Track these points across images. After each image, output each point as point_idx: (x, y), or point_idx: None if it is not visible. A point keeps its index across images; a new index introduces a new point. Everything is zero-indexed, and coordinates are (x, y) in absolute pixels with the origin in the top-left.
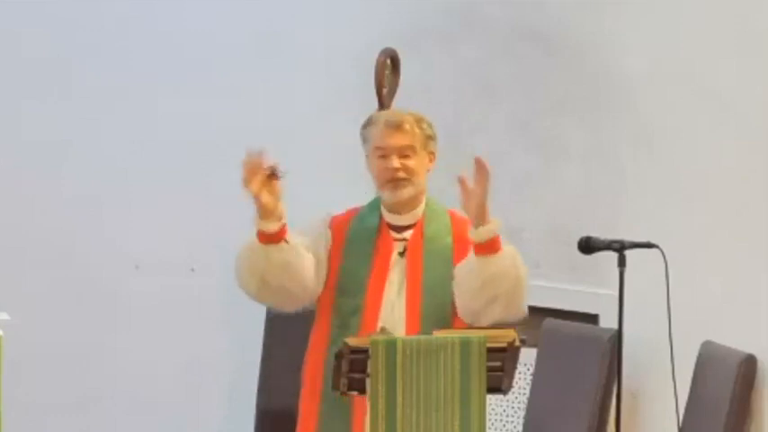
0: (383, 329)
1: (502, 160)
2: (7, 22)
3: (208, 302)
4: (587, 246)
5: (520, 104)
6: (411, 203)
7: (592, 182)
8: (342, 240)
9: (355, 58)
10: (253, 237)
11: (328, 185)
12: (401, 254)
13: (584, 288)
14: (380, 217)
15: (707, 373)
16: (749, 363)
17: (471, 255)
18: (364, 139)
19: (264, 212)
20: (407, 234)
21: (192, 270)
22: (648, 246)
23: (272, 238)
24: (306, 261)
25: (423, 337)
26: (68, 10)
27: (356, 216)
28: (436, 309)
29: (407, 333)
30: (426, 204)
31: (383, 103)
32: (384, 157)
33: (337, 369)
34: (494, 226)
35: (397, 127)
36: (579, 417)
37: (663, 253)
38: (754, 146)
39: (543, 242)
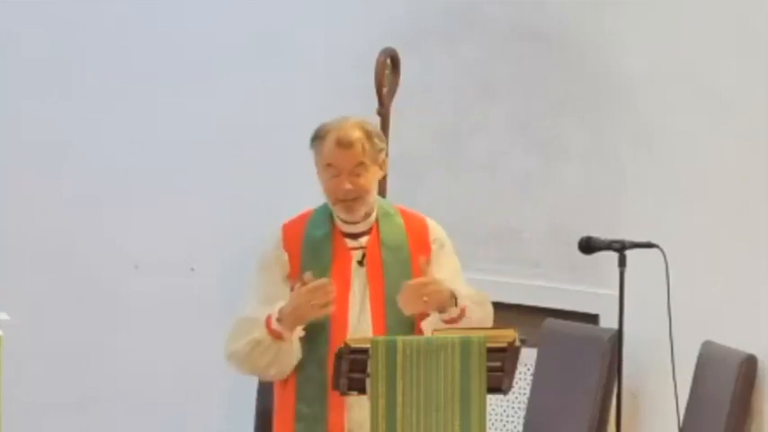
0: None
1: (502, 160)
2: (7, 23)
3: (208, 302)
4: (587, 246)
5: (520, 104)
6: (363, 215)
7: (592, 182)
8: (298, 257)
9: (355, 58)
10: (261, 333)
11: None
12: (360, 262)
13: (585, 288)
14: (333, 225)
15: (707, 374)
16: (749, 363)
17: (436, 319)
18: (315, 150)
19: (296, 324)
20: (363, 240)
21: (192, 270)
22: (649, 246)
23: (285, 338)
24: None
25: (423, 337)
26: (68, 10)
27: (308, 225)
28: (400, 315)
29: None
30: (378, 208)
31: (383, 103)
32: (335, 176)
33: (337, 369)
34: (460, 304)
35: (348, 146)
36: (579, 417)
37: (663, 253)
38: (754, 146)
39: (543, 242)
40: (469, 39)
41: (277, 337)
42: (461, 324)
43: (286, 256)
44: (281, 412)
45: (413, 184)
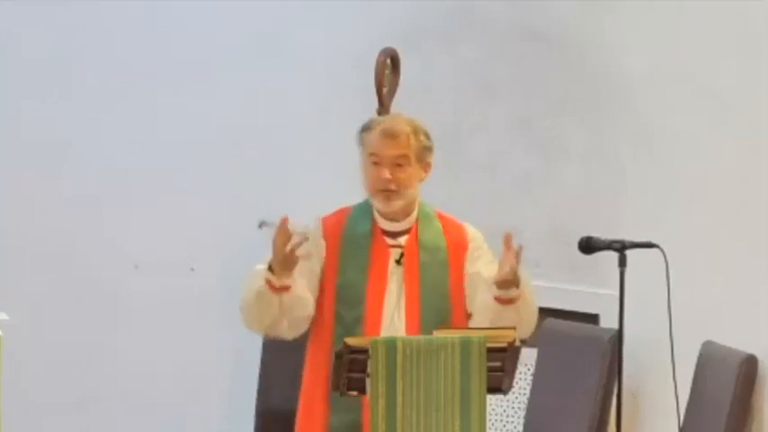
0: None
1: (502, 160)
2: (8, 23)
3: (208, 302)
4: (588, 246)
5: (520, 104)
6: (404, 210)
7: (592, 182)
8: (336, 249)
9: (355, 57)
10: (260, 285)
11: (328, 185)
12: (398, 261)
13: (585, 288)
14: (373, 222)
15: (707, 374)
16: (750, 363)
17: (489, 297)
18: (361, 142)
19: (283, 269)
20: (402, 240)
21: (192, 270)
22: (649, 246)
23: (284, 289)
24: (308, 300)
25: (423, 336)
26: (69, 10)
27: (348, 220)
28: (435, 316)
29: None
30: (419, 209)
31: (383, 103)
32: (377, 164)
33: (337, 369)
34: (521, 288)
35: (393, 136)
36: (580, 417)
37: (663, 253)
38: (755, 146)
39: (543, 242)
40: (469, 39)
41: (272, 287)
42: (513, 307)
43: (324, 245)
44: (310, 404)
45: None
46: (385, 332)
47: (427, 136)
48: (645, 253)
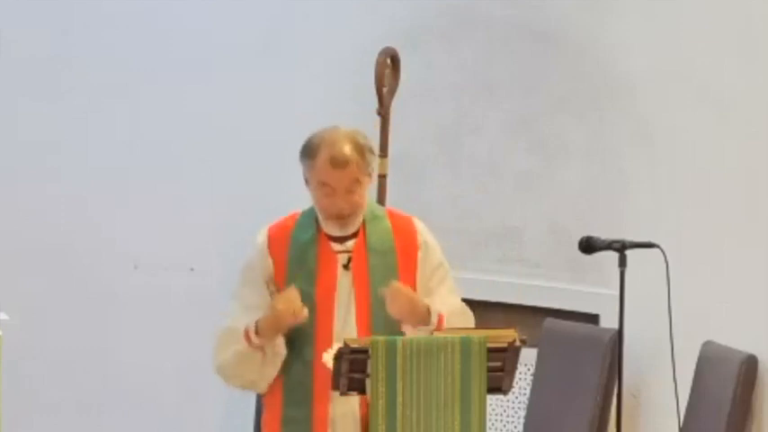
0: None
1: (502, 160)
2: (3, 21)
3: (207, 302)
4: (588, 246)
5: (520, 104)
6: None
7: (592, 181)
8: (283, 260)
9: (355, 57)
10: (242, 345)
11: None
12: (345, 266)
13: (585, 288)
14: (319, 229)
15: (708, 374)
16: (750, 363)
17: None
18: (305, 167)
19: (274, 335)
20: (349, 244)
21: (192, 270)
22: (649, 246)
23: (260, 348)
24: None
25: (423, 337)
26: (67, 9)
27: (294, 229)
28: (386, 320)
29: None
30: (366, 209)
31: (383, 103)
32: (329, 195)
33: (337, 369)
34: (435, 316)
35: (342, 165)
36: (580, 417)
37: (664, 253)
38: (755, 146)
39: (543, 242)
40: (469, 38)
41: (258, 348)
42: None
43: (271, 262)
44: (268, 415)
45: (413, 184)
46: (337, 339)
47: (370, 149)
48: (645, 253)
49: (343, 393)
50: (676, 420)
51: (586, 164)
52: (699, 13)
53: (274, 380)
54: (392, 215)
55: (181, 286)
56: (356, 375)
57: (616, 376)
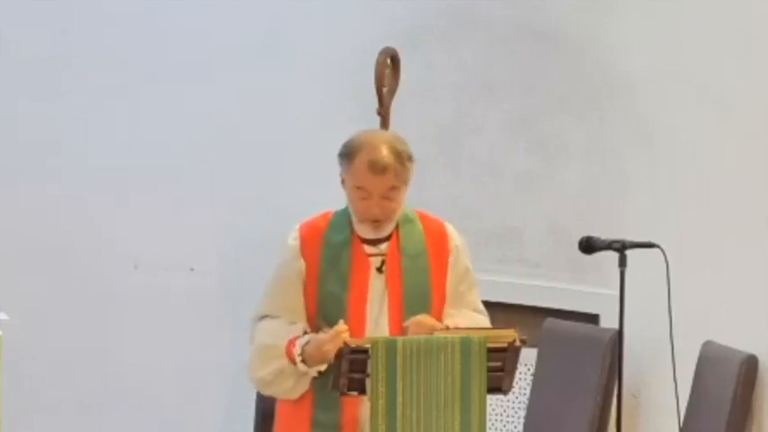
0: None
1: (502, 160)
2: (3, 21)
3: (207, 302)
4: (588, 245)
5: (520, 104)
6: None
7: (592, 181)
8: (316, 261)
9: (355, 57)
10: (282, 363)
11: (328, 184)
12: (379, 269)
13: (585, 288)
14: (352, 231)
15: (708, 374)
16: (750, 363)
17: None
18: (343, 167)
19: (319, 365)
20: (383, 247)
21: (192, 270)
22: (649, 245)
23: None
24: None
25: (423, 337)
26: (67, 8)
27: (327, 229)
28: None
29: None
30: (400, 214)
31: (383, 103)
32: (365, 198)
33: (337, 369)
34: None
35: (381, 171)
36: (580, 417)
37: (664, 253)
38: (755, 145)
39: (543, 242)
40: (470, 38)
41: (294, 362)
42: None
43: (303, 265)
44: (293, 418)
45: (413, 184)
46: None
47: (409, 157)
48: (645, 253)
49: (343, 393)
50: (676, 420)
51: (586, 164)
52: (699, 13)
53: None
54: (423, 218)
55: (181, 286)
56: (356, 375)
57: (616, 376)
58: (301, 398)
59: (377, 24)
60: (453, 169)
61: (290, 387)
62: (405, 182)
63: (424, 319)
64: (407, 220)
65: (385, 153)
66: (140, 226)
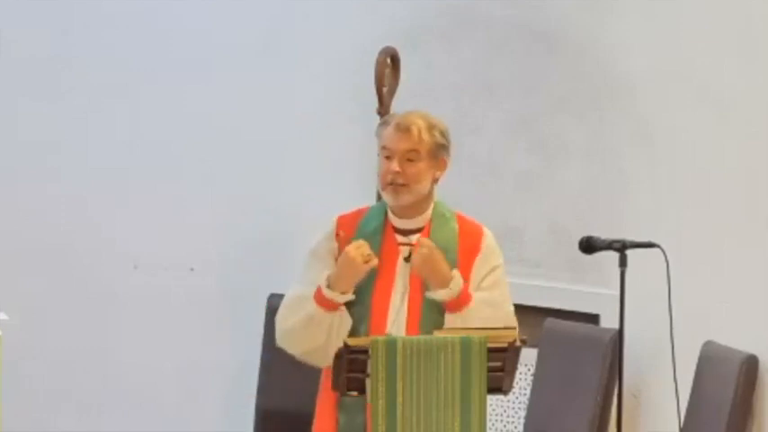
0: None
1: (502, 160)
2: (3, 21)
3: (207, 302)
4: (588, 245)
5: (520, 104)
6: (416, 208)
7: (592, 182)
8: (348, 239)
9: (355, 57)
10: (312, 307)
11: (329, 183)
12: (406, 259)
13: (585, 288)
14: (386, 219)
15: (708, 374)
16: (751, 363)
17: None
18: (378, 138)
19: (348, 283)
20: (414, 238)
21: (192, 270)
22: (650, 245)
23: (338, 306)
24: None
25: (423, 337)
26: (68, 9)
27: (363, 219)
28: (437, 315)
29: (408, 335)
30: (434, 209)
31: (383, 102)
32: (388, 158)
33: (337, 369)
34: (452, 286)
35: (405, 130)
36: (580, 417)
37: (664, 253)
38: (755, 145)
39: (544, 242)
40: (470, 38)
41: (328, 306)
42: (466, 315)
43: (336, 245)
44: (324, 401)
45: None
46: (390, 329)
47: (443, 133)
48: (645, 253)
49: (343, 393)
50: (677, 420)
51: (586, 164)
52: (699, 13)
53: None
54: (462, 219)
55: (181, 286)
56: (356, 375)
57: (616, 376)
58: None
59: (377, 24)
60: (453, 169)
61: (323, 340)
62: (430, 153)
63: (430, 244)
64: (442, 215)
65: (415, 118)
66: (140, 226)
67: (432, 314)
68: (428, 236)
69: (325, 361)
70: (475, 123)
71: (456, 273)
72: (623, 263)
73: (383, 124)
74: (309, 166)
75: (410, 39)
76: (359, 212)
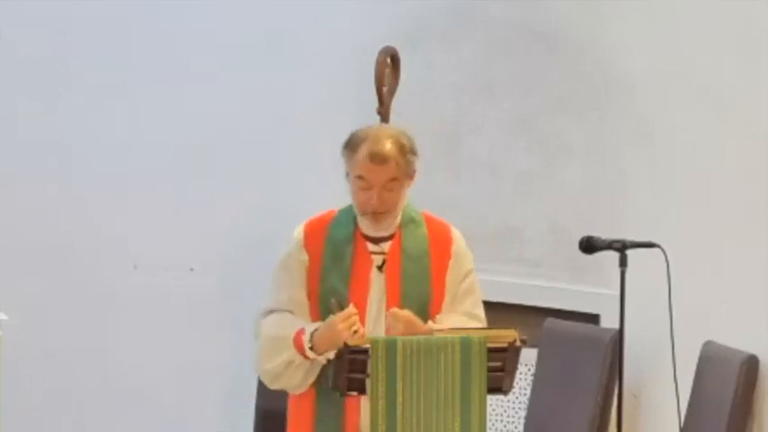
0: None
1: (502, 160)
2: (4, 20)
3: (207, 302)
4: (588, 245)
5: (520, 104)
6: (387, 222)
7: (593, 181)
8: (318, 256)
9: (356, 57)
10: (291, 353)
11: (328, 184)
12: (379, 268)
13: (586, 288)
14: (356, 227)
15: (708, 374)
16: (751, 363)
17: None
18: (346, 159)
19: (327, 349)
20: (385, 246)
21: (191, 270)
22: (650, 245)
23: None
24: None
25: (423, 337)
26: (67, 9)
27: (331, 225)
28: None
29: None
30: (403, 213)
31: (383, 102)
32: (366, 189)
33: (337, 369)
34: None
35: (382, 161)
36: (580, 417)
37: (664, 252)
38: (756, 145)
39: (544, 242)
40: (470, 37)
41: (304, 355)
42: None
43: (307, 257)
44: (297, 414)
45: (413, 184)
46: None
47: (412, 150)
48: (645, 253)
49: (343, 394)
50: (677, 420)
51: (586, 164)
52: (699, 13)
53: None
54: (429, 220)
55: (181, 286)
56: (356, 375)
57: (616, 376)
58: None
59: (377, 24)
60: (453, 169)
61: (300, 380)
62: (407, 174)
63: (403, 313)
64: (412, 221)
65: (387, 144)
66: (140, 226)
67: None
68: (399, 242)
69: (301, 390)
70: (475, 123)
71: (431, 324)
72: (623, 263)
73: (351, 148)
74: (310, 166)
75: (410, 39)
76: (327, 215)
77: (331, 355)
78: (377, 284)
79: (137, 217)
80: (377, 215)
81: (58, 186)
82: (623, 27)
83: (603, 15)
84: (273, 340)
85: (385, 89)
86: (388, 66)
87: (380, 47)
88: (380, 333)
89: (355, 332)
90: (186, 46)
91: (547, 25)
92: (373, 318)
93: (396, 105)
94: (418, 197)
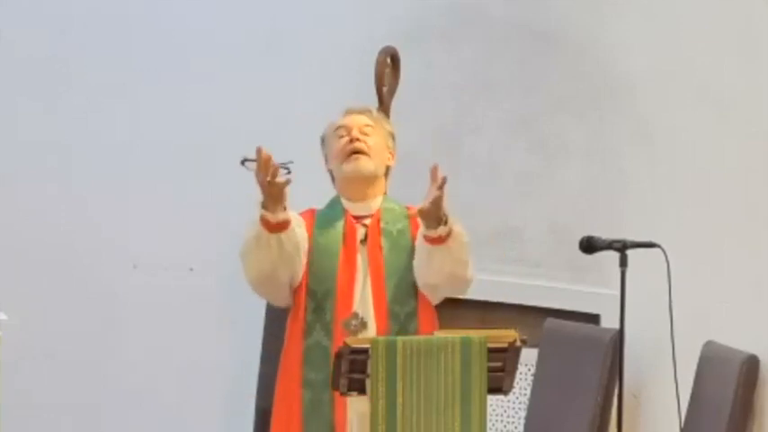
0: (355, 315)
1: (502, 159)
2: (3, 20)
3: (207, 302)
4: (589, 245)
5: (520, 103)
6: (369, 191)
7: (593, 181)
8: (310, 227)
9: (356, 56)
10: (258, 229)
11: (328, 183)
12: (362, 241)
13: (586, 288)
14: (343, 209)
15: (709, 374)
16: (751, 363)
17: (420, 240)
18: (323, 143)
19: (272, 202)
20: (367, 221)
21: (191, 270)
22: (650, 245)
23: (280, 227)
24: (303, 235)
25: (423, 337)
26: (67, 9)
27: (319, 211)
28: (400, 290)
29: (376, 314)
30: (384, 200)
31: (383, 102)
32: (344, 136)
33: (337, 369)
34: (451, 224)
35: (358, 111)
36: (580, 417)
37: (665, 252)
38: (756, 145)
39: (544, 242)
40: (470, 38)
41: (268, 226)
42: (444, 246)
43: (306, 236)
44: (285, 379)
45: (413, 184)
46: (357, 307)
47: (388, 122)
48: (646, 253)
49: (343, 394)
50: (677, 421)
51: (586, 164)
52: (699, 13)
53: (294, 342)
54: (410, 207)
55: (181, 286)
56: (356, 376)
57: (617, 376)
58: (292, 357)
59: (377, 24)
60: (453, 169)
61: (269, 264)
62: (382, 133)
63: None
64: (391, 205)
65: (361, 105)
66: (140, 226)
67: (395, 289)
68: (378, 222)
69: (277, 294)
70: (475, 123)
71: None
72: (623, 263)
73: (329, 127)
74: (310, 165)
75: (410, 39)
76: (312, 209)
77: (281, 215)
78: (362, 256)
79: (137, 217)
80: (358, 154)
81: (58, 186)
82: (623, 27)
83: (603, 15)
84: (250, 223)
85: (385, 89)
86: (388, 66)
87: (380, 47)
88: (367, 298)
89: (275, 175)
90: (186, 46)
91: (547, 25)
92: (361, 284)
93: (396, 105)
94: (418, 197)
